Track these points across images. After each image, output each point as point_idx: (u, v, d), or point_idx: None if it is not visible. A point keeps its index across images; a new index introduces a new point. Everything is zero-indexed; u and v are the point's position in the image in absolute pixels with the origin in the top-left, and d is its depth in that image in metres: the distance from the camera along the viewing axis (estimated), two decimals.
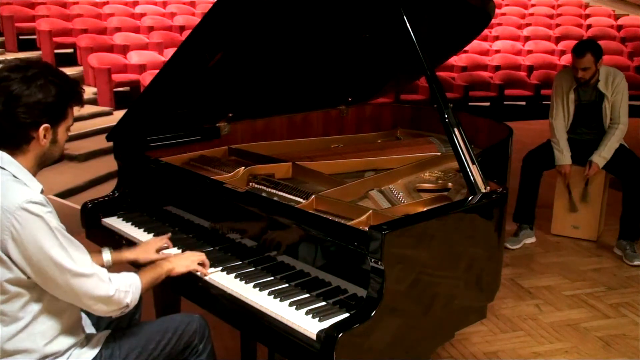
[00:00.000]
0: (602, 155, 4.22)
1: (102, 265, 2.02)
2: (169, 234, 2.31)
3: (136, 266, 2.17)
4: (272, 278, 2.06)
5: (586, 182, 4.41)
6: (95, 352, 1.88)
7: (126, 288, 1.82)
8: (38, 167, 1.80)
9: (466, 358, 3.05)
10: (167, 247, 2.26)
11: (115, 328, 2.04)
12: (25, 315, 1.73)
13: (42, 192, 1.74)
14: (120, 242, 2.44)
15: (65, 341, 1.81)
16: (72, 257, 1.70)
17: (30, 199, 1.65)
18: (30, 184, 1.73)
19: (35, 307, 1.74)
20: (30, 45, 8.98)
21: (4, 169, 1.71)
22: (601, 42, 4.46)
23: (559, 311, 3.54)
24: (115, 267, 2.09)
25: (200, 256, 2.11)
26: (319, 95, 3.31)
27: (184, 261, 2.08)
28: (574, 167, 4.39)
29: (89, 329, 2.03)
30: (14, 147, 1.74)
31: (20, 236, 1.63)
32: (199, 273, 2.10)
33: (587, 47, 4.09)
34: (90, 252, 1.82)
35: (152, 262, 2.12)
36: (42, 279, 1.69)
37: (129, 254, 2.19)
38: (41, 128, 1.73)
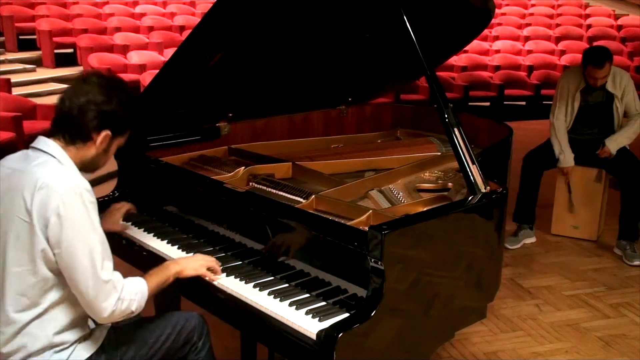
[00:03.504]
0: (616, 140, 4.22)
1: None
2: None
3: (141, 268, 2.15)
4: (272, 278, 2.06)
5: (586, 181, 4.42)
6: (96, 346, 1.89)
7: (132, 296, 1.82)
8: (79, 169, 1.83)
9: (466, 358, 3.05)
10: (132, 210, 2.46)
11: (116, 323, 2.04)
12: (44, 302, 1.76)
13: None
14: (120, 242, 2.44)
15: (73, 334, 1.83)
16: (102, 254, 1.74)
17: (83, 185, 1.73)
18: (76, 173, 1.79)
19: (55, 295, 1.77)
20: (30, 45, 8.97)
21: (52, 155, 1.77)
22: (601, 42, 4.48)
23: (559, 311, 3.54)
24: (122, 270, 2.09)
25: (210, 261, 2.10)
26: (319, 95, 3.31)
27: (194, 264, 2.07)
28: (575, 168, 4.39)
29: (90, 323, 2.02)
30: (71, 140, 1.80)
31: (62, 217, 1.68)
32: (207, 278, 2.07)
33: (605, 57, 4.06)
34: None
35: (116, 233, 2.35)
36: (66, 265, 1.71)
37: None
38: (103, 133, 1.81)
